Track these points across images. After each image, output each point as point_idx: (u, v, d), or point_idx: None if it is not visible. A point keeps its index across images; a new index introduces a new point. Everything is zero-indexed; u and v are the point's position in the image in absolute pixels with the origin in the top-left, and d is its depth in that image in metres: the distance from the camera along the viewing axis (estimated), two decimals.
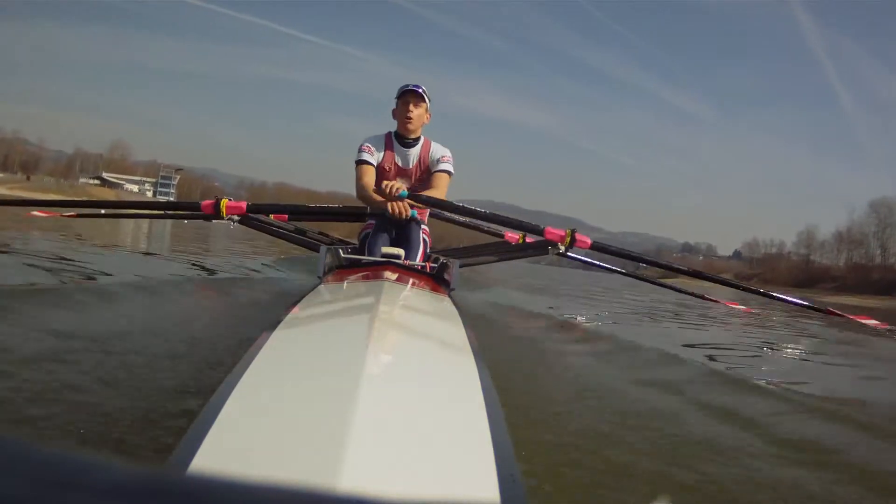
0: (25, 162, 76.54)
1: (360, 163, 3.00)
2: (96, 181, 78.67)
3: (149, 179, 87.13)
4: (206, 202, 2.93)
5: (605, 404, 1.89)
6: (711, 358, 3.61)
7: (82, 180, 77.40)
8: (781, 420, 1.85)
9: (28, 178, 67.14)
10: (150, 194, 78.22)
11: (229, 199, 2.92)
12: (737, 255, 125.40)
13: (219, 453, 0.61)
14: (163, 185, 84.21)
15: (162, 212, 4.41)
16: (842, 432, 1.78)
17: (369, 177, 2.98)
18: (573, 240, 3.00)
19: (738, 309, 5.99)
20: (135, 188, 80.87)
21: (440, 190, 3.02)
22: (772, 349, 4.74)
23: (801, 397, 2.36)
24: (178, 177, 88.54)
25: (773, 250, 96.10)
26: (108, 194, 63.51)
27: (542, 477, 1.18)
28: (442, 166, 3.07)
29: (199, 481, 0.23)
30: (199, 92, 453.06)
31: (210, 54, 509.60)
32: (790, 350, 4.88)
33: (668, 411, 1.86)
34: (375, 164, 3.03)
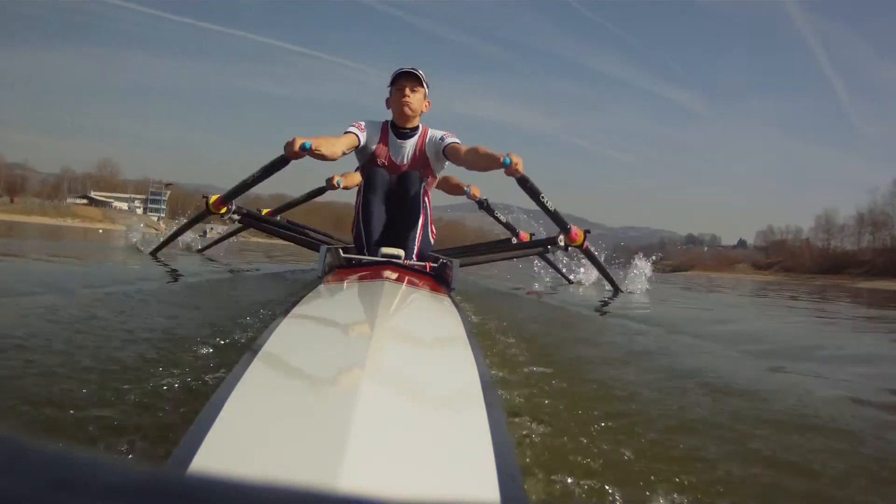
0: (12, 185, 74.35)
1: (346, 132, 2.84)
2: (84, 201, 76.65)
3: (138, 196, 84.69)
4: (203, 210, 4.24)
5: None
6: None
7: (69, 200, 75.66)
8: None
9: (12, 201, 64.87)
10: (139, 211, 76.17)
11: (216, 196, 4.15)
12: (741, 244, 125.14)
13: (219, 453, 0.61)
14: (153, 202, 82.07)
15: (183, 229, 5.41)
16: None
17: (341, 140, 2.75)
18: (584, 239, 4.07)
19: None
20: (124, 205, 78.81)
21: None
22: None
23: None
24: (168, 192, 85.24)
25: (790, 237, 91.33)
26: (95, 213, 62.66)
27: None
28: (449, 140, 2.88)
29: (199, 481, 0.23)
30: (190, 109, 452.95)
31: (200, 72, 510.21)
32: None
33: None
34: (362, 140, 2.87)
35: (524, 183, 2.94)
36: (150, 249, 5.85)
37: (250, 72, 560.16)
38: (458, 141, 2.90)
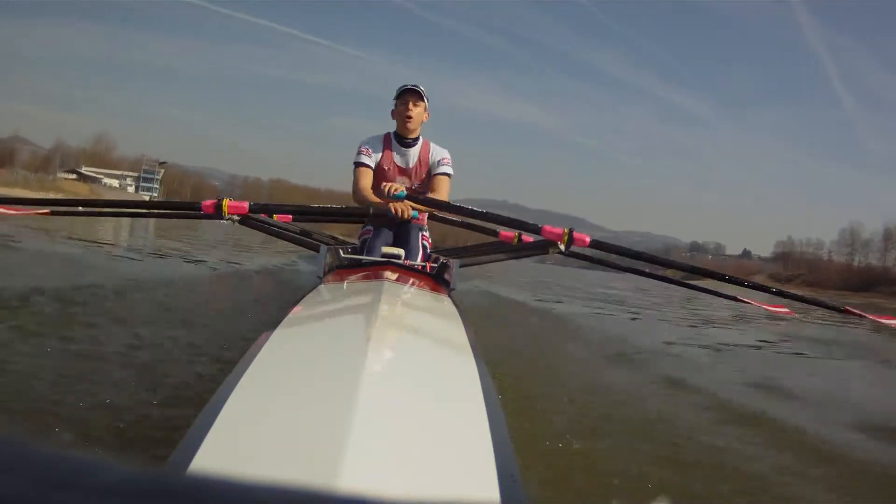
0: (2, 156, 69.79)
1: (358, 165, 3.06)
2: (73, 176, 69.97)
3: (130, 174, 77.04)
4: (207, 202, 2.80)
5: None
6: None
7: (59, 175, 71.65)
8: None
9: None
10: (131, 189, 71.50)
11: (230, 199, 2.76)
12: (746, 254, 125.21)
13: (219, 453, 0.61)
14: (145, 180, 75.14)
15: (160, 211, 4.21)
16: None
17: (366, 179, 3.04)
18: (571, 238, 2.95)
19: (777, 312, 4.60)
20: (115, 183, 71.77)
21: (441, 193, 3.10)
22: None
23: None
24: (162, 171, 78.52)
25: (811, 249, 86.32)
26: (82, 189, 57.20)
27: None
28: (442, 169, 3.13)
29: (199, 481, 0.23)
30: (195, 90, 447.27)
31: (208, 54, 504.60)
32: None
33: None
34: (373, 165, 3.07)
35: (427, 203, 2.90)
36: None
37: (260, 56, 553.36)
38: (448, 172, 3.13)
